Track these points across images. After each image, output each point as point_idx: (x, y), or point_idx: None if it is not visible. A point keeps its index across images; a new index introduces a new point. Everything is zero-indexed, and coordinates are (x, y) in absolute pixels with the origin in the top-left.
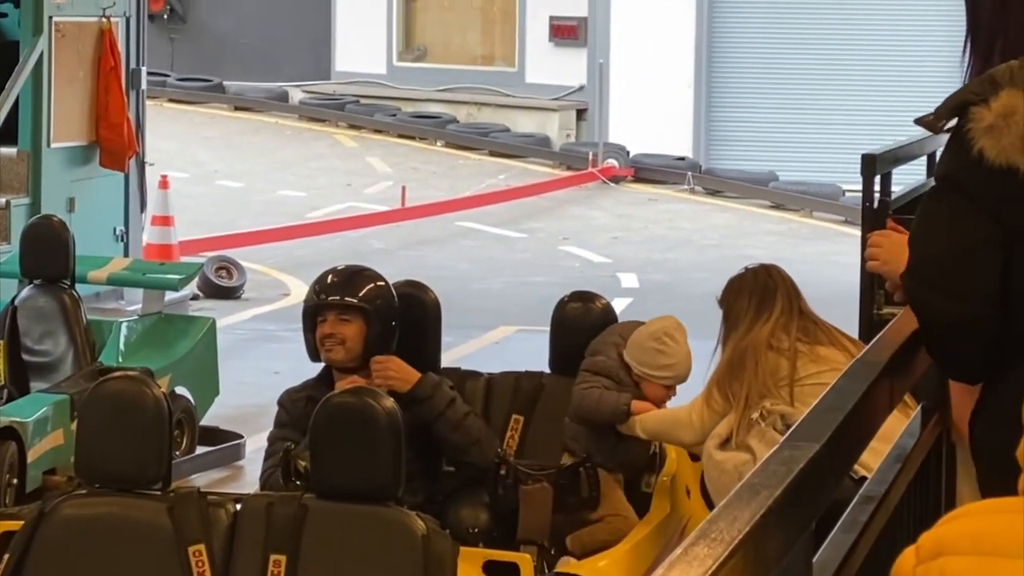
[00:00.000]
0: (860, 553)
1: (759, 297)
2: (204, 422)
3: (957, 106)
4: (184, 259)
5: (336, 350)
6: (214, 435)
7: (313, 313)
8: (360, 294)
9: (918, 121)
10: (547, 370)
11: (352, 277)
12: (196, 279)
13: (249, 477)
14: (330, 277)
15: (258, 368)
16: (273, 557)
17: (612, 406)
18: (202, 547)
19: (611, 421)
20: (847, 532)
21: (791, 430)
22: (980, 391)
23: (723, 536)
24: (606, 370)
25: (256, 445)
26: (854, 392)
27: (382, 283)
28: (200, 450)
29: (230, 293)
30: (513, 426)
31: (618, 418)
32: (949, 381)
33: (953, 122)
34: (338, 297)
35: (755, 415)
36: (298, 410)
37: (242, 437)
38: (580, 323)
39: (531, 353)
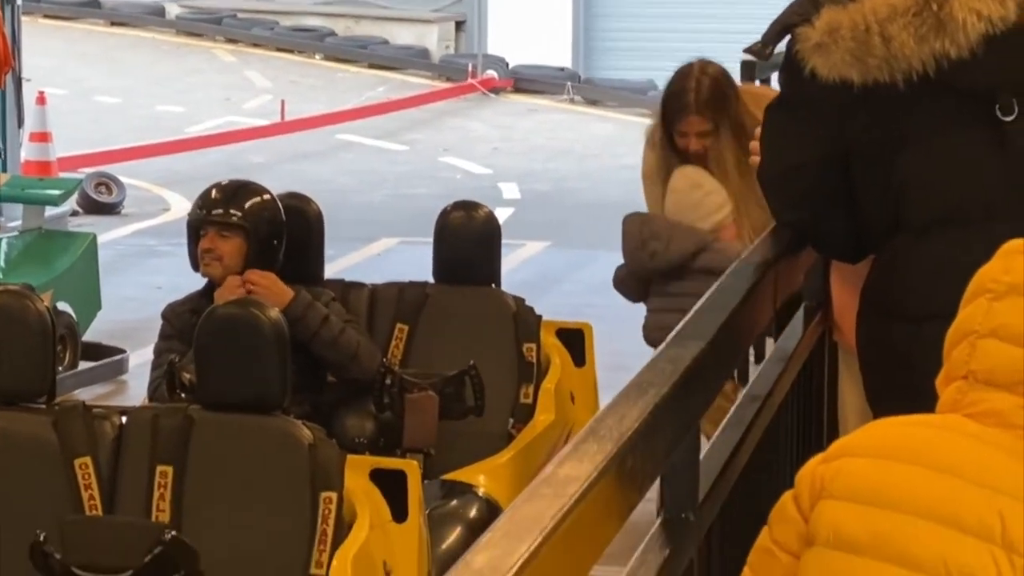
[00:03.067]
0: (746, 451)
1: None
2: (86, 337)
3: (782, 29)
4: (63, 175)
5: (214, 265)
6: (97, 350)
7: (195, 227)
8: (241, 211)
9: (747, 50)
10: (431, 280)
11: (236, 192)
12: (76, 195)
13: (133, 392)
14: (214, 192)
15: (140, 283)
16: (160, 468)
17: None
18: (88, 460)
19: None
20: (732, 430)
21: (676, 329)
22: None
23: (611, 433)
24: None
25: (139, 360)
26: (738, 291)
27: (267, 197)
28: (83, 365)
29: (110, 209)
30: (398, 335)
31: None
32: (831, 281)
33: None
34: (219, 212)
35: None
36: (182, 322)
37: (125, 352)
38: (463, 232)
39: (413, 264)
